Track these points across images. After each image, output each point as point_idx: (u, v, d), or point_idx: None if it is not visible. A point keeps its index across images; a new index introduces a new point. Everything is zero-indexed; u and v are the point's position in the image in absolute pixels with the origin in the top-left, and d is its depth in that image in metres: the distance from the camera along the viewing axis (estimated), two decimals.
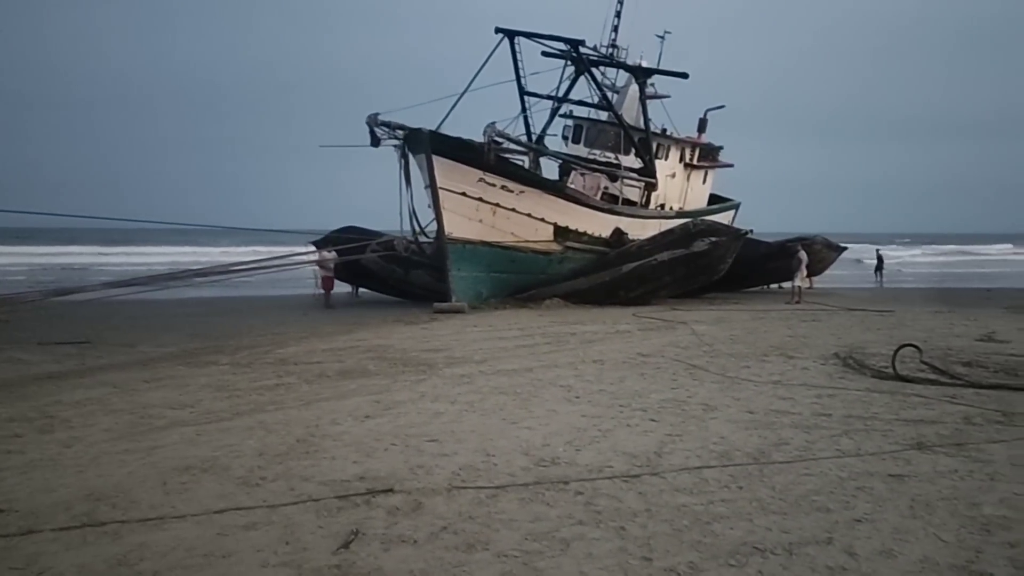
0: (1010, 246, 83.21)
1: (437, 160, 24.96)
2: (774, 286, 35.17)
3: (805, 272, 30.24)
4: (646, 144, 31.81)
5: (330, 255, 28.44)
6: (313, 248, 30.69)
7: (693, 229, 28.52)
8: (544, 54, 31.63)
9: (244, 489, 7.15)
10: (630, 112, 32.37)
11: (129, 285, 23.37)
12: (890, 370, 12.62)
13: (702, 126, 36.64)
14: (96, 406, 10.84)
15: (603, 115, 33.16)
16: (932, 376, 12.46)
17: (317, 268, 28.76)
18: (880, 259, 42.08)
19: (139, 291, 22.78)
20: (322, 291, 28.70)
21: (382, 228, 30.25)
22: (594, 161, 31.91)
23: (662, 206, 33.27)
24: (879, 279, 41.62)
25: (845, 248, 39.51)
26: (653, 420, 9.77)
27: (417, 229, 27.48)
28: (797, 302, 27.74)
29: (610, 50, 32.86)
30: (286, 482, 7.33)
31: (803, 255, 29.92)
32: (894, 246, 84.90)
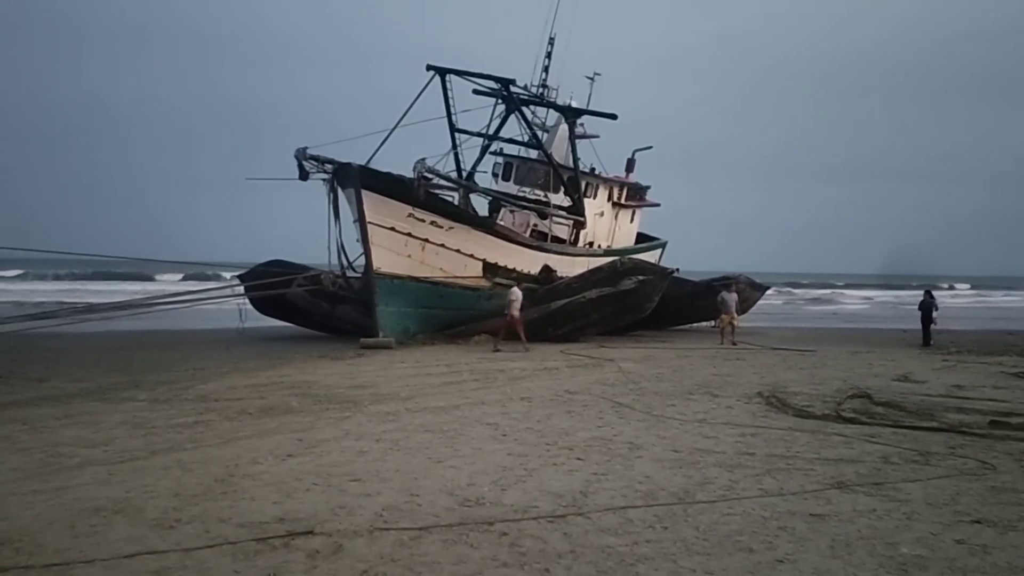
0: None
1: (366, 195, 24.84)
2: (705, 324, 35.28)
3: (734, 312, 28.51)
4: (575, 183, 32.12)
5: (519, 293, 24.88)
6: (238, 282, 30.12)
7: (621, 267, 28.81)
8: (475, 92, 31.81)
9: (157, 532, 6.89)
10: (559, 151, 32.70)
11: (45, 318, 22.70)
12: (811, 409, 12.87)
13: (630, 166, 37.18)
14: (3, 444, 10.41)
15: (533, 153, 33.42)
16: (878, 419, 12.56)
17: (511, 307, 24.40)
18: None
19: (55, 324, 22.14)
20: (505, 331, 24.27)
21: (309, 262, 29.90)
22: (523, 199, 32.11)
23: (590, 244, 33.58)
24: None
25: (768, 288, 40.31)
26: (579, 459, 9.75)
27: (345, 264, 27.22)
28: (733, 343, 26.54)
29: (540, 90, 33.21)
30: (202, 524, 7.09)
31: (734, 294, 28.92)
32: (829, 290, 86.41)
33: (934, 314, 28.95)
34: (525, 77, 32.59)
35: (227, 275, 35.15)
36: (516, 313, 24.46)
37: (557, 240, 31.44)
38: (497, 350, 23.25)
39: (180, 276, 58.12)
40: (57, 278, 66.71)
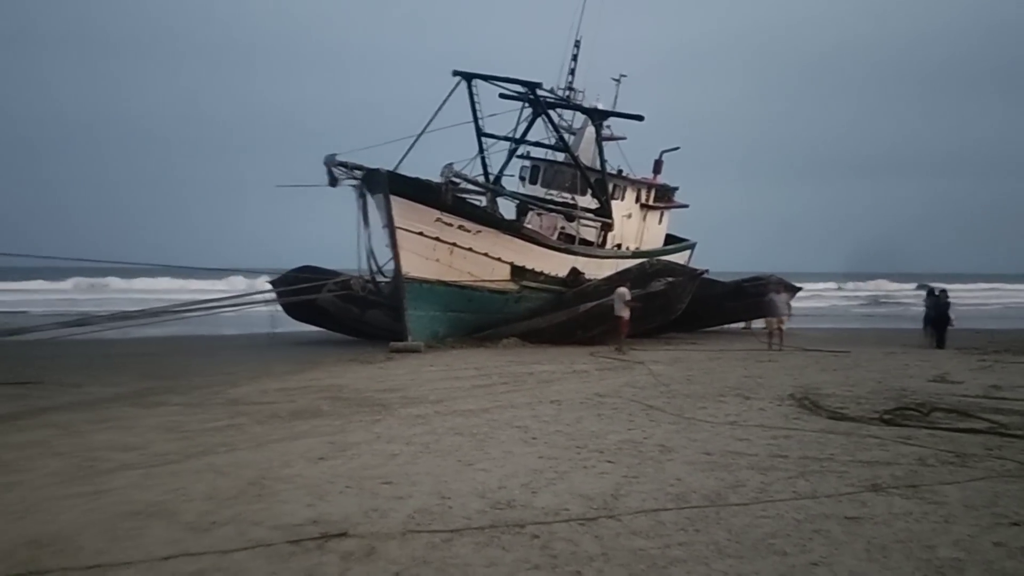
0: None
1: (395, 200, 24.98)
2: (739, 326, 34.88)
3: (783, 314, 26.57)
4: (602, 185, 32.07)
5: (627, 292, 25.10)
6: (270, 287, 30.37)
7: (649, 269, 28.75)
8: (502, 96, 31.88)
9: (193, 535, 6.95)
10: (586, 153, 32.67)
11: (79, 325, 22.96)
12: (845, 411, 12.74)
13: (657, 167, 37.08)
14: (40, 449, 10.54)
15: (560, 156, 33.43)
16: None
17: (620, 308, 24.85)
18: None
19: (89, 331, 22.39)
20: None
21: (339, 267, 30.11)
22: (551, 201, 32.11)
23: (618, 246, 33.51)
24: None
25: (800, 288, 39.85)
26: (610, 462, 9.71)
27: (374, 268, 27.39)
28: (770, 346, 25.39)
29: (567, 92, 33.21)
30: (236, 527, 7.15)
31: (784, 295, 27.35)
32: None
33: (950, 315, 28.32)
34: (551, 80, 32.69)
35: (258, 282, 35.49)
36: (626, 314, 24.76)
37: (585, 243, 31.41)
38: (620, 351, 23.40)
39: (222, 282, 58.45)
40: (96, 285, 67.50)
